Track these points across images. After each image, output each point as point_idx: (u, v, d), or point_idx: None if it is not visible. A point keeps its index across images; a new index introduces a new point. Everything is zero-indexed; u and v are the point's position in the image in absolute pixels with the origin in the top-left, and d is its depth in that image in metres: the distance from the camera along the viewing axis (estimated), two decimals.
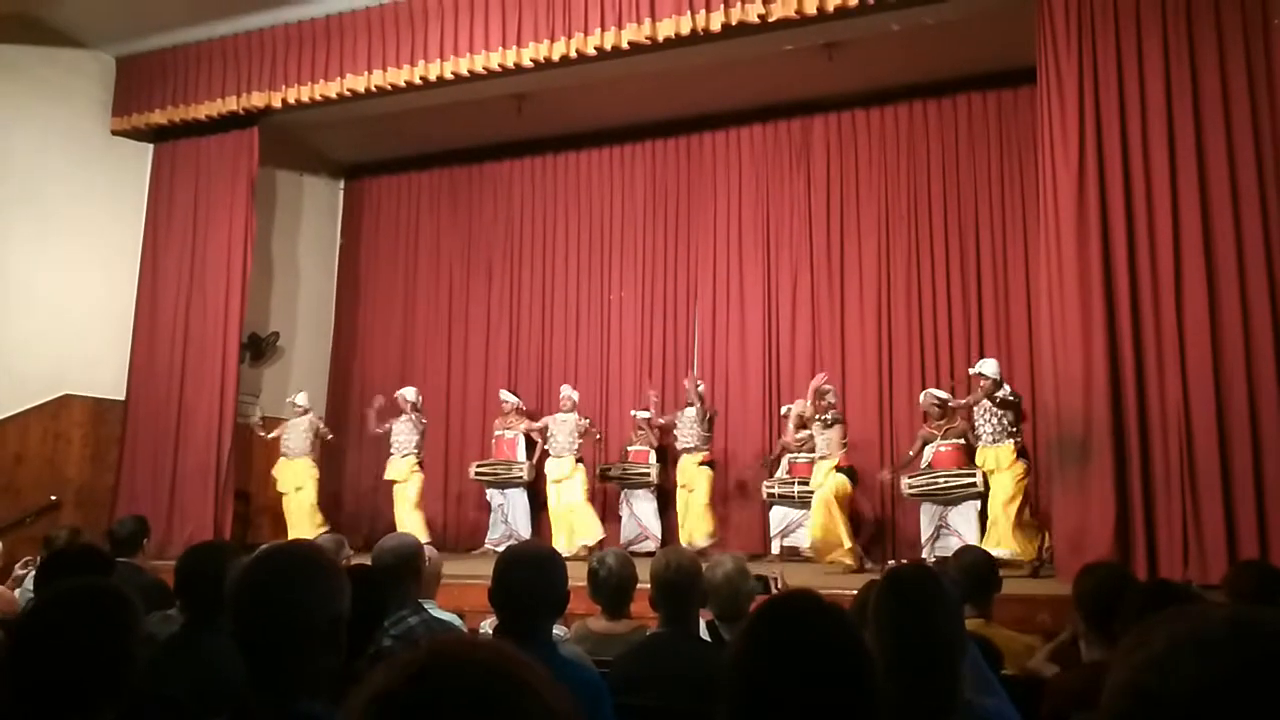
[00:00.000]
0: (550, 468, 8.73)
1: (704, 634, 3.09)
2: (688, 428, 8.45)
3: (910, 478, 7.33)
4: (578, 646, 3.06)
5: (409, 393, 9.06)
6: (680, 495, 8.43)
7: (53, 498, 8.64)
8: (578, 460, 8.67)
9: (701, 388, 8.58)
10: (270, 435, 9.19)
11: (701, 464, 8.39)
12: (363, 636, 2.24)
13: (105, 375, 9.16)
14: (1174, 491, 6.01)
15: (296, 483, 8.84)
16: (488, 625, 3.33)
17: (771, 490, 8.30)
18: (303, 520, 8.65)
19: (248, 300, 9.23)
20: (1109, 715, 0.72)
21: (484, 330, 10.49)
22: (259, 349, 10.02)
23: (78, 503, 8.82)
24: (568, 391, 8.91)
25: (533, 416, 9.32)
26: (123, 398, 9.27)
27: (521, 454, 9.05)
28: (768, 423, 9.00)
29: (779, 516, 8.36)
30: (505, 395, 9.38)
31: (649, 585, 2.95)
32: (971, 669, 1.92)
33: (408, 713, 0.74)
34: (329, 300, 11.10)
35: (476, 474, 9.14)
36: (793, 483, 8.12)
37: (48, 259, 8.83)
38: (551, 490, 8.66)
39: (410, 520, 8.61)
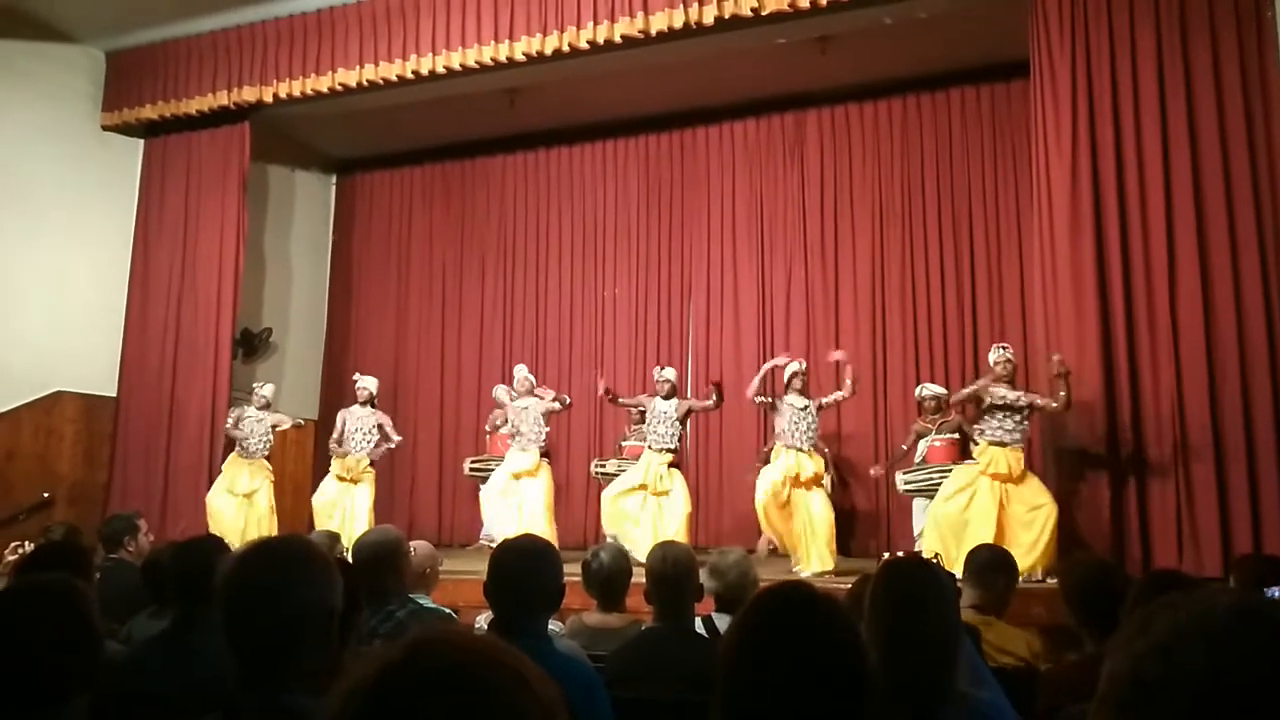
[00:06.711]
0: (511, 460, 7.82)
1: (700, 629, 3.08)
2: (663, 424, 7.38)
3: (905, 473, 7.29)
4: (573, 641, 3.05)
5: (371, 383, 8.25)
6: (641, 500, 7.21)
7: (45, 494, 8.59)
8: (543, 454, 7.82)
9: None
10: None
11: (671, 465, 7.37)
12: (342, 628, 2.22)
13: (97, 371, 9.10)
14: (1168, 483, 6.02)
15: (249, 487, 7.92)
16: (483, 619, 3.31)
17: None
18: (256, 529, 7.61)
19: (240, 296, 9.19)
20: (1110, 703, 0.70)
21: (477, 325, 10.46)
22: (251, 345, 9.98)
23: (70, 499, 8.77)
24: (523, 373, 8.00)
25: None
26: (114, 394, 9.23)
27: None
28: (762, 417, 8.96)
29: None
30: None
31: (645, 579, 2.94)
32: (966, 661, 1.91)
33: (392, 700, 0.73)
34: (322, 296, 11.05)
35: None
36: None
37: (38, 255, 8.77)
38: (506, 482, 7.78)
39: (361, 527, 7.29)
